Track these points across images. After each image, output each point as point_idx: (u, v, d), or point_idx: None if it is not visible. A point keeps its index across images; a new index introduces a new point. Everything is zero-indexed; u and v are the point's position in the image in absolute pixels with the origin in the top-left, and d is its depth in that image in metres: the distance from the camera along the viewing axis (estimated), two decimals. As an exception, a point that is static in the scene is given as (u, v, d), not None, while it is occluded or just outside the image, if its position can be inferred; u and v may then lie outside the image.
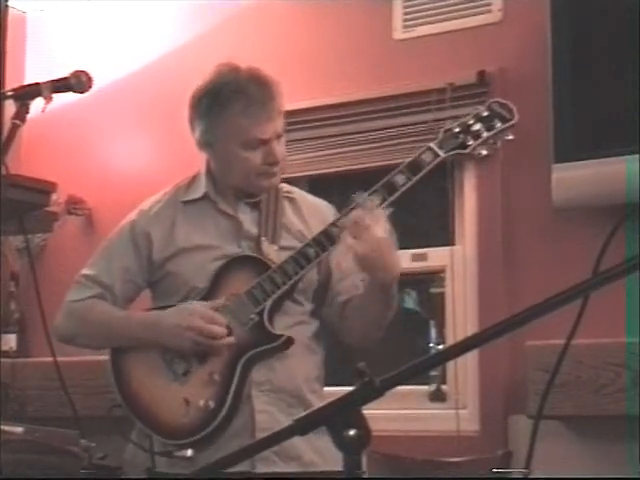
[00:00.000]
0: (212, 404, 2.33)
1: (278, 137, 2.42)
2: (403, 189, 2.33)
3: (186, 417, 2.34)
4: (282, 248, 2.43)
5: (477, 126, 2.35)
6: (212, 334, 2.33)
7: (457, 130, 2.36)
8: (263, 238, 2.43)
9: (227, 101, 2.38)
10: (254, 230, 2.46)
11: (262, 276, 2.36)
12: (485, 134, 2.35)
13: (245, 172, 2.43)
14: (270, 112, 2.39)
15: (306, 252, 2.36)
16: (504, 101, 2.40)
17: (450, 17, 3.64)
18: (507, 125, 2.36)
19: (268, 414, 2.35)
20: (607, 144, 3.12)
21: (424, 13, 3.70)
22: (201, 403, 2.34)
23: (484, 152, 2.38)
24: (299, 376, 2.42)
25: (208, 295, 2.40)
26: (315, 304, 2.51)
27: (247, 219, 2.48)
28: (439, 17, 3.67)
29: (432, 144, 2.35)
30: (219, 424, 2.32)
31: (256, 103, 2.37)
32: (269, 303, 2.36)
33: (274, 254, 2.41)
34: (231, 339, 2.34)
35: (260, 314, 2.36)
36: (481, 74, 3.49)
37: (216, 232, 2.46)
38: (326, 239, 2.35)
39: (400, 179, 2.34)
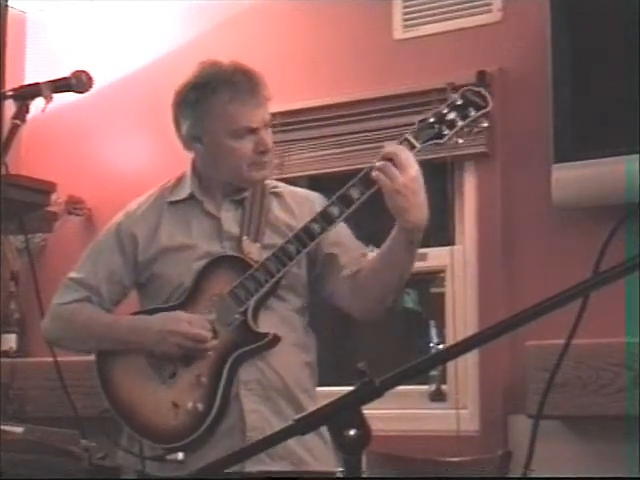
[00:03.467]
0: (201, 406, 2.33)
1: (266, 126, 2.42)
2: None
3: (175, 420, 2.34)
4: (265, 246, 2.41)
5: (452, 115, 2.34)
6: (197, 337, 2.33)
7: (432, 120, 2.34)
8: (245, 237, 2.42)
9: (214, 92, 2.39)
10: (236, 230, 2.44)
11: (244, 275, 2.35)
12: (460, 123, 2.34)
13: (236, 163, 2.41)
14: (258, 100, 2.39)
15: (287, 249, 2.34)
16: (477, 88, 2.39)
17: (450, 17, 3.64)
18: (481, 112, 2.35)
19: (258, 413, 2.35)
20: (607, 144, 3.12)
21: (424, 13, 3.70)
22: (189, 406, 2.33)
23: (460, 140, 2.37)
24: (287, 374, 2.40)
25: (191, 295, 2.40)
26: (306, 298, 2.50)
27: (230, 218, 2.46)
28: (439, 17, 3.67)
29: (408, 135, 2.33)
30: (209, 426, 2.32)
31: (243, 91, 2.38)
32: (253, 302, 2.36)
33: (256, 252, 2.40)
34: (215, 342, 2.34)
35: (244, 313, 2.36)
36: (481, 74, 3.49)
37: (199, 232, 2.46)
38: (306, 235, 2.34)
39: None
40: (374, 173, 2.25)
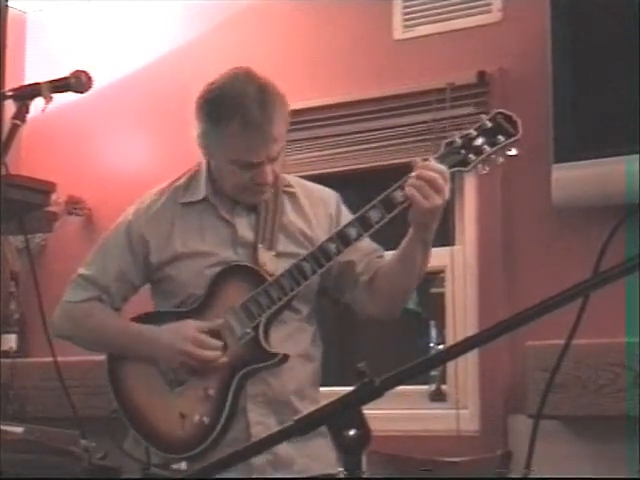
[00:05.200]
0: (207, 420, 2.32)
1: (271, 160, 2.36)
2: (402, 206, 2.28)
3: (182, 431, 2.34)
4: (280, 254, 2.40)
5: (479, 140, 2.27)
6: (203, 360, 2.33)
7: (459, 144, 2.28)
8: (260, 245, 2.40)
9: (227, 115, 2.32)
10: (250, 236, 2.43)
11: (258, 290, 2.34)
12: (487, 149, 2.28)
13: (232, 185, 2.40)
14: (266, 136, 2.32)
15: (302, 267, 2.33)
16: (509, 113, 2.30)
17: (450, 17, 3.64)
18: (510, 140, 2.27)
19: (263, 425, 2.34)
20: (607, 144, 3.12)
21: (424, 13, 3.70)
22: (196, 419, 2.33)
23: (487, 169, 2.31)
24: (294, 387, 2.40)
25: (204, 303, 2.39)
26: (315, 304, 2.50)
27: (244, 223, 2.44)
28: (439, 17, 3.67)
29: (433, 158, 2.28)
30: (214, 440, 2.32)
31: (254, 126, 2.30)
32: (264, 318, 2.35)
33: (270, 262, 2.38)
34: (224, 360, 2.34)
35: (255, 329, 2.35)
36: (481, 74, 3.49)
37: (214, 238, 2.44)
38: (322, 255, 2.33)
39: (399, 195, 2.28)
40: (409, 191, 2.22)
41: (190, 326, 2.37)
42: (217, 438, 2.32)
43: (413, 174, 2.23)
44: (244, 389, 2.35)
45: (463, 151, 2.28)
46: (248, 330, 2.34)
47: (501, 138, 2.28)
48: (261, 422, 2.34)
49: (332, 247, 2.32)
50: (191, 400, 2.35)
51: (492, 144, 2.28)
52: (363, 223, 2.31)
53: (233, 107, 2.31)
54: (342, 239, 2.32)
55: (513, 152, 2.30)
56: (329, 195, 2.55)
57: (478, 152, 2.28)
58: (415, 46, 3.71)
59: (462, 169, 2.29)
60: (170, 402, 2.36)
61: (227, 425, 2.32)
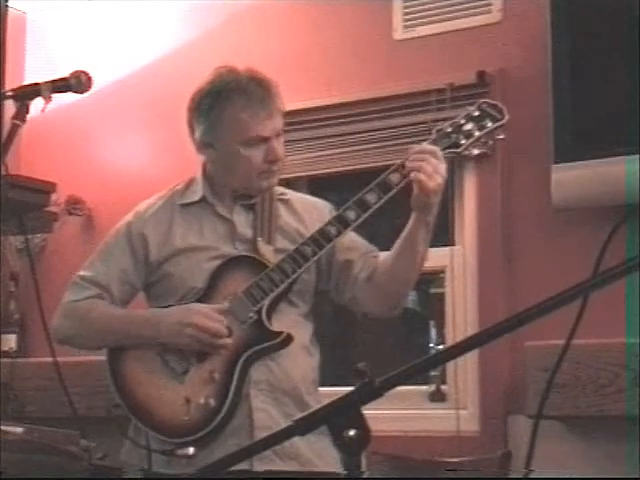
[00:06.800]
0: (212, 402, 2.34)
1: (278, 136, 2.44)
2: (398, 188, 2.35)
3: (187, 416, 2.35)
4: (278, 250, 2.44)
5: (469, 126, 2.40)
6: (212, 331, 2.35)
7: (449, 130, 2.40)
8: (259, 239, 2.45)
9: (228, 99, 2.40)
10: (249, 233, 2.47)
11: (260, 274, 2.38)
12: (477, 133, 2.40)
13: (246, 171, 2.44)
14: (270, 110, 2.41)
15: (303, 250, 2.37)
16: (494, 102, 2.46)
17: (450, 17, 3.64)
18: (498, 124, 2.41)
19: (266, 412, 2.36)
20: (607, 144, 3.12)
21: (424, 13, 3.70)
22: (202, 401, 2.35)
23: (476, 151, 2.43)
24: (296, 376, 2.42)
25: (205, 295, 2.42)
26: (312, 305, 2.52)
27: (242, 221, 2.49)
28: (439, 17, 3.67)
29: (426, 143, 2.38)
30: (220, 422, 2.33)
31: (256, 100, 2.39)
32: (267, 301, 2.38)
33: (271, 254, 2.42)
34: (230, 340, 2.36)
35: (258, 312, 2.37)
36: (481, 74, 3.49)
37: (212, 234, 2.48)
38: (323, 238, 2.37)
39: (395, 178, 2.36)
40: (413, 174, 2.29)
41: (196, 304, 2.40)
42: (223, 421, 2.33)
43: (409, 159, 2.32)
44: (248, 375, 2.36)
45: (454, 135, 2.40)
46: (251, 314, 2.37)
47: (489, 123, 2.41)
48: (264, 409, 2.37)
49: (332, 229, 2.38)
50: (196, 384, 2.37)
51: (481, 128, 2.40)
52: (361, 205, 2.36)
53: (233, 89, 2.41)
54: (341, 222, 2.38)
55: (501, 136, 2.44)
56: (322, 204, 2.61)
57: (468, 136, 2.40)
58: (415, 46, 3.70)
59: (455, 150, 2.39)
60: (174, 389, 2.38)
61: (232, 408, 2.34)
